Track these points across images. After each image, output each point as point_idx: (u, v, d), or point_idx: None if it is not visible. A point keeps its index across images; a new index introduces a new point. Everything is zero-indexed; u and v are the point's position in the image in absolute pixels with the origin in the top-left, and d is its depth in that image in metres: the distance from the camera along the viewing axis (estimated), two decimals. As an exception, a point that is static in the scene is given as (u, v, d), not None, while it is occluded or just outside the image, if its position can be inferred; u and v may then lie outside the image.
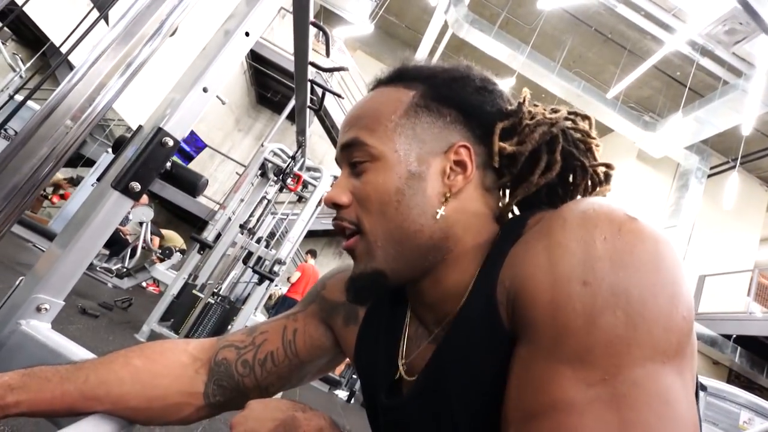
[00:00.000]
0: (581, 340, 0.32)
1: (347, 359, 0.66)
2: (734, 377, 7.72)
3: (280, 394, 0.99)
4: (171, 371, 0.60)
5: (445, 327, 0.48)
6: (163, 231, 6.74)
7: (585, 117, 0.54)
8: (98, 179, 0.91)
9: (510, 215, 0.52)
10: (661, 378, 0.31)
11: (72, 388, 0.53)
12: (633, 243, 0.35)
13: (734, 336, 7.34)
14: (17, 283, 0.80)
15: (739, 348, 7.42)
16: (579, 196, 0.53)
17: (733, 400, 3.86)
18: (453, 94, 0.50)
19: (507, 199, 0.53)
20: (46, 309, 0.78)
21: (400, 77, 0.53)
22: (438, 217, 0.46)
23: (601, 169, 0.52)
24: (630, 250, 0.34)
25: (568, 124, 0.51)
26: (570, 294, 0.34)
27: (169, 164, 0.99)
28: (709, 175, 9.24)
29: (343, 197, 0.49)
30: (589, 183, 0.52)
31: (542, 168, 0.49)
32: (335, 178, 4.59)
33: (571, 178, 0.52)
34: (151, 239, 5.81)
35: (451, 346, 0.45)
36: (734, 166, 8.74)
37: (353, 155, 0.50)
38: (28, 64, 6.20)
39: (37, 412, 0.51)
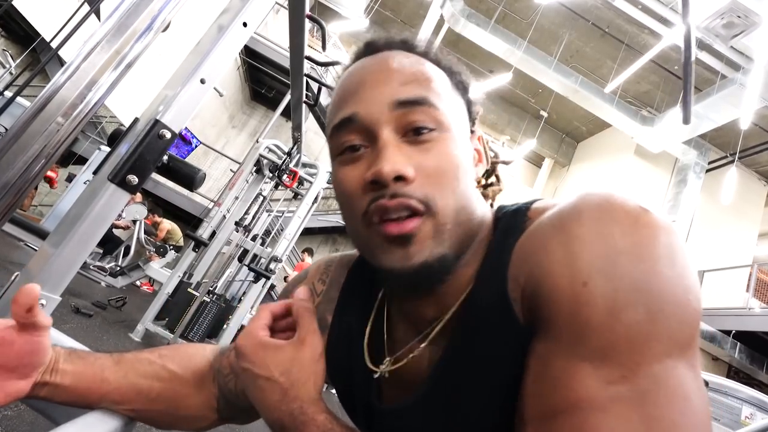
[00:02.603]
0: (603, 336, 0.32)
1: None
2: (734, 373, 7.74)
3: None
4: (197, 380, 0.59)
5: (444, 327, 0.46)
6: (167, 223, 6.66)
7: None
8: (94, 173, 0.91)
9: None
10: (677, 372, 0.31)
11: (111, 379, 0.52)
12: (650, 236, 0.34)
13: (733, 332, 7.35)
14: (12, 278, 0.79)
15: (738, 344, 7.44)
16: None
17: (735, 395, 3.85)
18: (464, 85, 0.50)
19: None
20: (42, 305, 0.79)
21: (425, 52, 0.49)
22: (477, 198, 0.46)
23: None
24: (647, 243, 0.34)
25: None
26: (592, 290, 0.33)
27: (165, 157, 1.00)
28: (708, 170, 9.25)
29: (410, 169, 0.40)
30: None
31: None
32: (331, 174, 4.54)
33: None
34: (146, 239, 5.75)
35: (462, 344, 0.43)
36: (732, 161, 8.74)
37: (417, 118, 0.42)
38: (18, 61, 6.10)
39: (75, 390, 0.51)
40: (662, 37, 7.61)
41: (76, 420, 0.48)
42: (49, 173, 6.21)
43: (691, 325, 0.33)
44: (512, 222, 0.45)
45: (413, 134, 0.42)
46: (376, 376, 0.51)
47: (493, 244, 0.45)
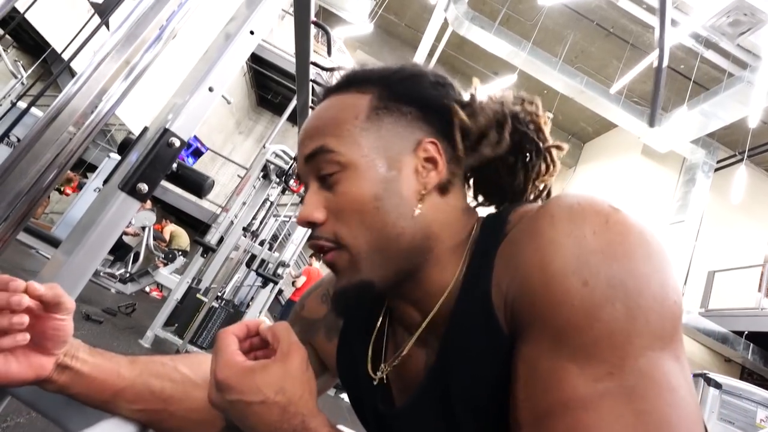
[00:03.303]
0: (584, 335, 0.33)
1: None
2: (747, 375, 7.61)
3: None
4: (207, 384, 0.59)
5: (436, 331, 0.47)
6: (171, 227, 6.74)
7: (531, 101, 0.55)
8: (104, 182, 0.92)
9: (477, 208, 0.54)
10: (662, 364, 0.32)
11: (126, 376, 0.53)
12: (622, 234, 0.36)
13: (746, 333, 7.24)
14: None
15: (751, 345, 7.32)
16: (537, 180, 0.54)
17: (750, 398, 3.79)
18: (410, 91, 0.50)
19: (472, 189, 0.55)
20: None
21: (351, 83, 0.52)
22: (416, 215, 0.46)
23: (553, 150, 0.54)
24: (620, 241, 0.35)
25: (517, 107, 0.53)
26: (568, 291, 0.34)
27: (174, 165, 1.01)
28: (716, 169, 9.12)
29: (318, 214, 0.47)
30: (543, 165, 0.53)
31: (492, 142, 0.50)
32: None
33: (527, 160, 0.53)
34: (155, 245, 5.80)
35: (452, 351, 0.44)
36: (742, 160, 8.62)
37: (321, 167, 0.48)
38: (30, 71, 6.19)
39: (93, 381, 0.51)
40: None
41: (89, 430, 0.47)
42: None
43: (672, 318, 0.34)
44: (495, 227, 0.46)
45: (324, 180, 0.48)
46: (375, 381, 0.52)
47: (480, 247, 0.46)
